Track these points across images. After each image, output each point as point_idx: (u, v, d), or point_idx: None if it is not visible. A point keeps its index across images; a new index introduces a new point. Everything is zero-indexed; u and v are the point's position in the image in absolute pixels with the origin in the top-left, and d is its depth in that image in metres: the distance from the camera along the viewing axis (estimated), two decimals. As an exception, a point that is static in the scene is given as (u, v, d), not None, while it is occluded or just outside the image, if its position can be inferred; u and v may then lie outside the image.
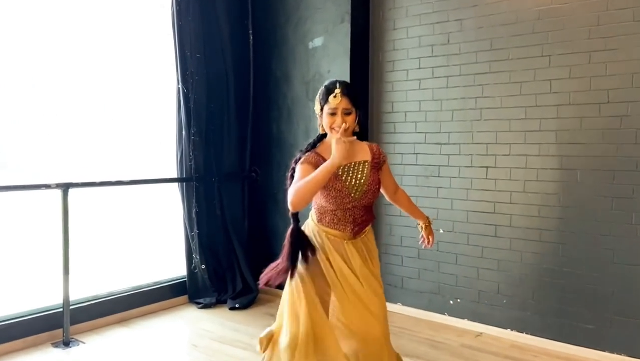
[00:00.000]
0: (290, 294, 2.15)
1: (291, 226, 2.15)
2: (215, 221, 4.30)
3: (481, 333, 3.62)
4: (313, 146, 2.17)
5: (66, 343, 3.38)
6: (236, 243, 4.36)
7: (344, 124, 2.04)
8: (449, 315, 3.80)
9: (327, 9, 4.07)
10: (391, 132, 4.05)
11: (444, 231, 3.79)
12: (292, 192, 1.97)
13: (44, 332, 3.41)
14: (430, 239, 2.44)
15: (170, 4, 3.97)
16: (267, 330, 2.26)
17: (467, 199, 3.69)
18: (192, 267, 4.22)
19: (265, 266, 2.25)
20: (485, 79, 3.56)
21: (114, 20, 3.95)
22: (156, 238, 4.40)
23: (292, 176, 2.11)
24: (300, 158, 2.12)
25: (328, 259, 2.13)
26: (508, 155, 3.50)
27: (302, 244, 2.12)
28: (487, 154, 3.59)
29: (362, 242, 2.19)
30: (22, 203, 3.66)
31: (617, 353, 3.14)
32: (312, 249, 2.13)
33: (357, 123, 2.14)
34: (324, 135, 2.19)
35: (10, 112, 3.49)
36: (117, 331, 3.67)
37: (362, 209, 2.15)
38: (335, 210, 2.12)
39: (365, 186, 2.12)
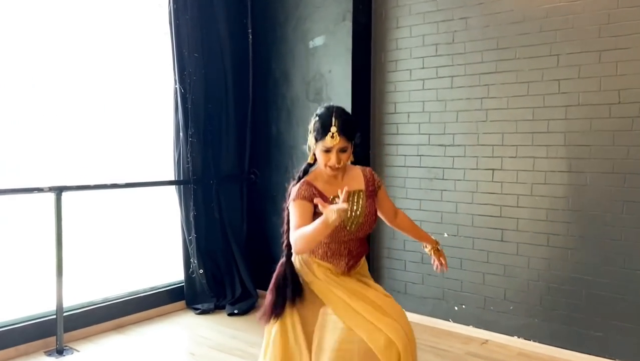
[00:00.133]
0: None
1: (282, 260, 2.02)
2: (213, 225, 4.21)
3: (487, 341, 3.52)
4: (304, 173, 2.03)
5: (60, 352, 3.29)
6: (235, 246, 4.27)
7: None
8: (454, 322, 3.70)
9: (328, 7, 3.98)
10: (394, 134, 3.96)
11: (448, 235, 3.69)
12: (296, 240, 1.81)
13: (37, 340, 3.33)
14: (443, 262, 2.26)
15: (168, 3, 3.88)
16: None
17: (472, 202, 3.59)
18: (189, 272, 4.13)
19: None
20: (491, 79, 3.47)
21: (109, 20, 3.86)
22: (153, 242, 4.31)
23: (289, 208, 1.98)
24: (292, 192, 1.97)
25: (315, 285, 2.00)
26: (515, 157, 3.41)
27: (289, 287, 1.96)
28: (493, 157, 3.49)
29: (358, 274, 2.07)
30: (14, 206, 3.55)
31: (628, 362, 3.05)
32: (300, 291, 1.98)
33: (353, 152, 2.01)
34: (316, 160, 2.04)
35: (1, 113, 3.39)
36: (112, 338, 3.57)
37: (357, 241, 2.04)
38: (329, 243, 1.98)
39: (362, 218, 1.99)
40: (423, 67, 3.77)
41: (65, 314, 3.37)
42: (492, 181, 3.51)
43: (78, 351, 3.34)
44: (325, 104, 2.03)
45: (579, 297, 3.21)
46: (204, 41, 4.09)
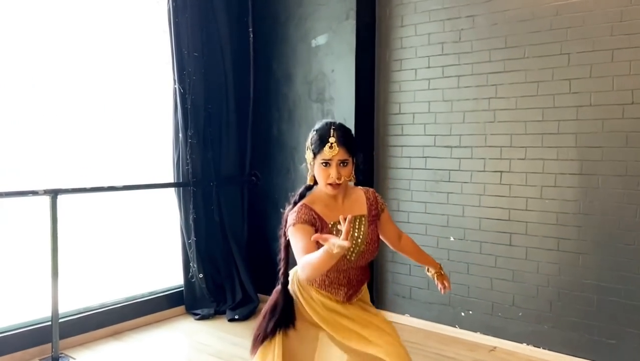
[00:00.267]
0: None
1: (277, 287, 1.91)
2: (213, 228, 4.12)
3: (495, 348, 3.42)
4: (301, 197, 1.88)
5: (55, 359, 3.20)
6: (235, 250, 4.18)
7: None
8: (461, 328, 3.61)
9: (331, 6, 3.89)
10: (398, 135, 3.86)
11: (454, 239, 3.60)
12: (304, 268, 1.65)
13: (32, 347, 3.24)
14: (447, 285, 2.13)
15: (167, 1, 3.79)
16: None
17: (479, 205, 3.50)
18: (189, 276, 4.03)
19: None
20: (499, 78, 3.37)
21: (106, 18, 3.77)
22: (151, 246, 4.22)
23: (287, 234, 1.85)
24: (289, 217, 1.82)
25: (316, 313, 1.87)
26: (524, 159, 3.31)
27: (279, 317, 1.85)
28: (501, 158, 3.40)
29: (358, 304, 1.94)
30: (9, 210, 3.46)
31: (642, 371, 2.96)
32: (291, 321, 1.87)
33: (355, 172, 1.87)
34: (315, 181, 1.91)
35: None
36: (109, 345, 3.48)
37: (358, 269, 1.89)
38: (327, 272, 1.82)
39: (363, 246, 1.85)
40: (429, 67, 3.68)
41: (60, 320, 3.28)
42: (500, 184, 3.41)
43: (74, 358, 3.26)
44: (324, 120, 1.92)
45: (591, 303, 3.11)
46: (203, 40, 4.01)
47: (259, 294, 4.17)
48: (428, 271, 2.18)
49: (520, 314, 3.37)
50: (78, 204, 3.66)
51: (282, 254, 1.91)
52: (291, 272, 1.96)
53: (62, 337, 3.28)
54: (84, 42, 3.67)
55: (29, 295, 3.50)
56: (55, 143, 3.58)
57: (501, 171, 3.40)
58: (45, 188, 3.18)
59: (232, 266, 4.20)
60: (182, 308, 4.07)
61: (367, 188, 2.00)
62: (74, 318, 3.47)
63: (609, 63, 3.01)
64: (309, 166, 1.88)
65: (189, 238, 3.98)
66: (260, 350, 1.87)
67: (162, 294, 4.01)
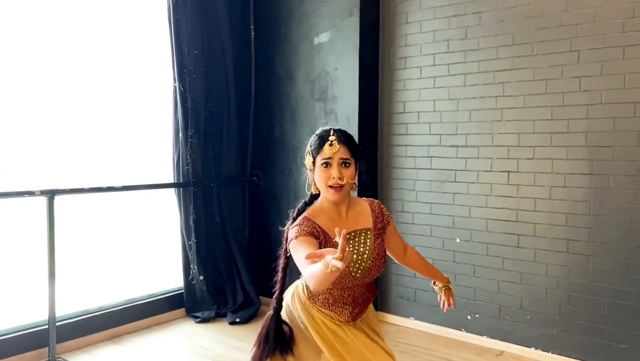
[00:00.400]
0: None
1: (269, 313, 1.80)
2: (214, 229, 4.05)
3: (502, 352, 3.34)
4: (300, 212, 1.78)
5: (52, 364, 3.12)
6: (236, 252, 4.11)
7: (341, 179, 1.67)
8: (467, 332, 3.53)
9: (334, 2, 3.81)
10: (403, 134, 3.79)
11: (460, 240, 3.52)
12: (308, 280, 1.52)
13: (28, 351, 3.17)
14: (451, 301, 2.03)
15: (166, -3, 3.72)
16: None
17: (486, 206, 3.42)
18: (189, 278, 3.96)
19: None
20: (506, 76, 3.30)
21: (105, 15, 3.69)
22: (151, 248, 4.15)
23: (288, 250, 1.74)
24: (290, 232, 1.71)
25: (317, 332, 1.77)
26: (532, 159, 3.23)
27: (271, 345, 1.76)
28: (508, 158, 3.32)
29: (363, 324, 1.82)
30: (4, 211, 3.39)
31: (654, 376, 2.88)
32: (284, 349, 1.77)
33: (358, 179, 1.77)
34: (315, 197, 1.79)
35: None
36: (108, 349, 3.41)
37: (363, 286, 1.78)
38: (330, 289, 1.73)
39: (369, 261, 1.74)
40: (434, 65, 3.60)
41: (58, 324, 3.20)
42: (508, 184, 3.33)
43: (71, 363, 3.19)
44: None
45: (601, 307, 3.04)
46: (204, 38, 3.94)
47: (260, 297, 4.10)
48: (435, 285, 2.07)
49: (528, 317, 3.29)
50: (76, 205, 3.58)
51: (279, 275, 1.81)
52: (291, 288, 1.87)
53: (59, 341, 3.21)
54: (83, 39, 3.59)
55: (25, 298, 3.43)
56: (53, 142, 3.51)
57: (509, 171, 3.33)
58: (42, 189, 3.10)
59: (233, 268, 4.13)
60: (182, 311, 4.00)
61: (372, 199, 1.90)
62: (72, 321, 3.40)
63: (620, 60, 2.93)
64: (309, 173, 1.79)
65: (189, 240, 3.91)
66: None
67: (161, 297, 3.94)
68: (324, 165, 1.70)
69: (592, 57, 3.01)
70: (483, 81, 3.39)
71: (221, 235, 4.09)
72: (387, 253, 1.90)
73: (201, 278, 3.94)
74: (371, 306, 1.88)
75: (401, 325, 3.80)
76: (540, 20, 3.16)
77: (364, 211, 1.83)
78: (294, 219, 1.76)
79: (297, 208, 1.81)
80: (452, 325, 3.59)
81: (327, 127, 1.76)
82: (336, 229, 1.35)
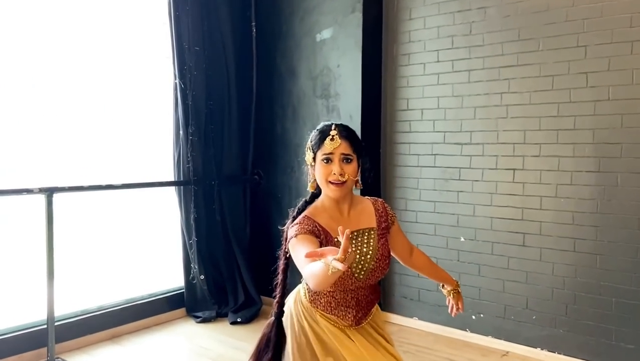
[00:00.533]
0: None
1: (270, 319, 1.74)
2: (215, 228, 4.00)
3: (508, 353, 3.29)
4: (300, 211, 1.73)
5: (51, 364, 3.08)
6: (238, 251, 4.07)
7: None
8: (471, 332, 3.48)
9: (337, -2, 3.77)
10: (406, 132, 3.74)
11: (465, 239, 3.48)
12: (308, 279, 1.46)
13: (27, 351, 3.13)
14: (460, 305, 1.96)
15: (167, -7, 3.68)
16: None
17: (491, 204, 3.37)
18: (190, 278, 3.91)
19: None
20: (512, 72, 3.25)
21: (105, 12, 3.65)
22: (151, 247, 4.11)
23: (288, 250, 1.68)
24: (290, 231, 1.65)
25: (321, 340, 1.69)
26: (538, 156, 3.18)
27: (271, 353, 1.70)
28: (514, 155, 3.27)
29: (369, 327, 1.74)
30: (3, 209, 3.35)
31: (663, 377, 2.83)
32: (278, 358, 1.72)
33: (361, 178, 1.70)
34: (316, 195, 1.74)
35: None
36: (107, 349, 3.37)
37: (367, 289, 1.71)
38: (332, 292, 1.66)
39: (373, 262, 1.66)
40: (438, 61, 3.56)
41: (57, 323, 3.15)
42: (513, 182, 3.29)
43: (70, 363, 3.15)
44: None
45: (609, 306, 2.98)
46: (205, 34, 3.89)
47: (262, 297, 4.05)
48: (443, 288, 2.00)
49: (534, 317, 3.24)
50: (75, 203, 3.54)
51: (279, 278, 1.74)
52: (292, 294, 1.81)
53: (58, 341, 3.17)
54: (83, 36, 3.55)
55: (24, 297, 3.39)
56: (52, 140, 3.47)
57: (514, 169, 3.28)
58: (40, 186, 3.05)
59: (234, 267, 4.08)
60: (182, 311, 3.95)
61: (375, 198, 1.84)
62: (71, 321, 3.36)
63: (628, 55, 2.88)
64: (309, 169, 1.73)
65: (189, 238, 3.86)
66: None
67: (161, 297, 3.89)
68: (325, 161, 1.64)
69: (599, 52, 2.96)
70: (488, 78, 3.35)
71: (222, 234, 4.05)
72: (392, 254, 1.84)
73: (202, 277, 3.90)
74: (377, 308, 1.81)
75: (405, 325, 3.75)
76: (547, 15, 3.11)
77: (367, 210, 1.76)
78: (294, 218, 1.70)
79: (297, 207, 1.75)
80: (456, 325, 3.54)
81: (329, 122, 1.71)
82: (339, 228, 1.29)
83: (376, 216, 1.76)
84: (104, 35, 3.65)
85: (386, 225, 1.77)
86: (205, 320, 3.84)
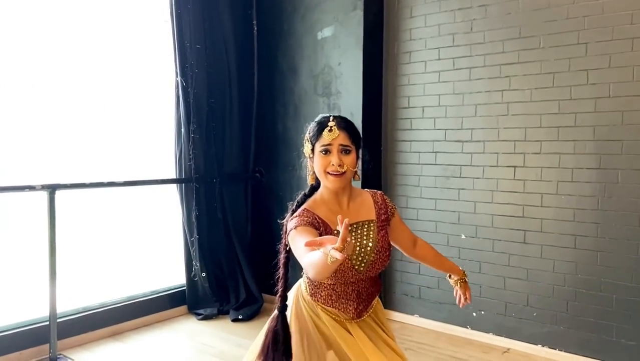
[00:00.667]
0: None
1: (274, 313, 1.72)
2: (216, 225, 4.01)
3: (509, 350, 3.30)
4: (299, 205, 1.73)
5: (53, 360, 3.09)
6: (239, 248, 4.07)
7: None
8: (472, 329, 3.49)
9: (338, -4, 3.77)
10: (407, 129, 3.74)
11: (466, 236, 3.48)
12: (307, 268, 1.46)
13: (29, 348, 3.13)
14: (468, 295, 1.96)
15: (168, -9, 3.69)
16: None
17: (492, 201, 3.38)
18: (191, 275, 3.92)
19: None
20: (513, 70, 3.25)
21: (107, 9, 3.66)
22: (153, 244, 4.11)
23: (288, 243, 1.68)
24: (289, 224, 1.66)
25: (324, 333, 1.69)
26: (539, 153, 3.19)
27: (281, 346, 1.68)
28: (514, 153, 3.28)
29: (370, 320, 1.74)
30: (5, 206, 3.36)
31: (664, 374, 2.83)
32: (289, 351, 1.69)
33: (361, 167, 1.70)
34: (315, 188, 1.75)
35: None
36: (109, 346, 3.38)
37: (367, 281, 1.71)
38: (333, 285, 1.67)
39: (373, 255, 1.66)
40: (439, 59, 3.56)
41: (59, 320, 3.17)
42: (514, 179, 3.29)
43: (72, 359, 3.15)
44: None
45: (609, 303, 2.99)
46: (206, 32, 3.90)
47: (263, 294, 4.06)
48: (450, 278, 2.00)
49: (535, 314, 3.24)
50: (77, 200, 3.55)
51: (280, 272, 1.73)
52: (294, 289, 1.81)
53: (60, 337, 3.18)
54: (85, 33, 3.56)
55: (26, 294, 3.39)
56: (55, 138, 3.48)
57: (515, 166, 3.28)
58: (42, 183, 3.07)
59: (235, 264, 4.09)
60: (184, 308, 3.96)
61: (375, 190, 1.84)
62: (73, 317, 3.36)
63: (628, 52, 2.88)
64: (308, 162, 1.73)
65: (191, 236, 3.87)
66: None
67: (163, 294, 3.89)
68: (323, 152, 1.64)
69: (600, 49, 2.96)
70: (489, 75, 3.35)
71: (223, 232, 4.06)
72: (395, 245, 1.84)
73: (203, 274, 3.90)
74: (378, 301, 1.81)
75: (406, 323, 3.76)
76: (547, 12, 3.12)
77: (366, 202, 1.76)
78: (293, 211, 1.70)
79: (296, 200, 1.75)
80: (457, 322, 3.55)
81: (327, 114, 1.71)
82: (338, 217, 1.28)
83: (375, 208, 1.76)
84: (106, 34, 3.66)
85: (386, 217, 1.77)
86: (206, 317, 3.84)
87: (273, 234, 4.14)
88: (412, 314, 3.75)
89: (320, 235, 1.60)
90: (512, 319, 3.33)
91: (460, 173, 3.51)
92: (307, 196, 1.74)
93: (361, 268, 1.66)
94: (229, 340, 3.47)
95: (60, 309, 3.20)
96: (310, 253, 1.35)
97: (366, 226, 1.71)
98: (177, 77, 3.76)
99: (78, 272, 3.60)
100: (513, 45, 3.25)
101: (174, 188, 3.90)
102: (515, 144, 3.28)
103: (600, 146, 2.99)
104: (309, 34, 3.95)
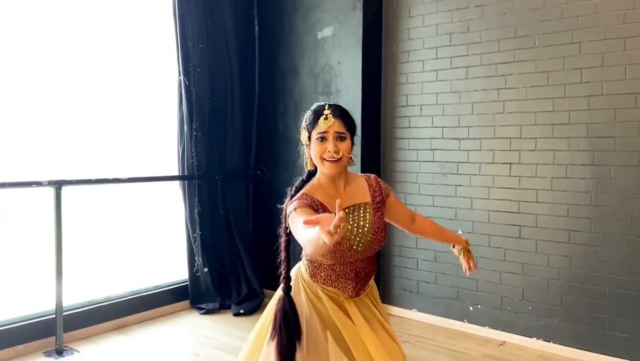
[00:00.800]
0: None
1: (279, 294, 1.77)
2: (218, 222, 4.09)
3: (504, 342, 3.37)
4: (298, 189, 1.78)
5: (59, 352, 3.17)
6: (240, 244, 4.15)
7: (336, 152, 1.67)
8: (469, 323, 3.56)
9: (338, -3, 3.85)
10: (406, 127, 3.82)
11: (463, 232, 3.55)
12: (305, 245, 1.53)
13: (36, 340, 3.21)
14: (472, 264, 1.99)
15: (172, -8, 3.76)
16: None
17: (488, 198, 3.45)
18: (194, 270, 4.00)
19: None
20: (508, 68, 3.33)
21: (111, 10, 3.73)
22: (156, 240, 4.18)
23: (287, 225, 1.74)
24: (288, 207, 1.71)
25: (326, 317, 1.75)
26: (534, 150, 3.26)
27: (293, 323, 1.72)
28: (510, 150, 3.35)
29: (367, 298, 1.81)
30: (13, 201, 3.44)
31: (655, 365, 2.90)
32: (299, 329, 1.74)
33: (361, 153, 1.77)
34: (312, 174, 1.81)
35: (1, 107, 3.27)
36: (113, 339, 3.45)
37: (365, 261, 1.78)
38: (332, 265, 1.74)
39: (370, 235, 1.74)
40: (437, 58, 3.64)
41: (65, 313, 3.25)
42: (510, 176, 3.36)
43: (78, 351, 3.22)
44: None
45: (602, 296, 3.06)
46: (208, 32, 3.98)
47: (264, 290, 4.13)
48: (454, 248, 2.04)
49: (530, 308, 3.31)
50: (83, 196, 3.62)
51: (282, 255, 1.79)
52: (294, 270, 1.86)
53: (66, 330, 3.26)
54: (91, 33, 3.64)
55: (33, 288, 3.46)
56: (61, 136, 3.55)
57: (510, 163, 3.35)
58: (49, 179, 3.15)
59: (237, 260, 4.16)
60: (186, 303, 4.03)
61: (369, 174, 1.91)
62: (79, 311, 3.44)
63: (621, 52, 2.95)
64: (305, 149, 1.80)
65: (194, 232, 3.94)
66: None
67: (166, 289, 3.97)
68: (320, 139, 1.71)
69: (593, 48, 3.03)
70: (485, 74, 3.42)
71: (225, 228, 4.13)
72: (395, 224, 1.92)
73: (205, 270, 3.97)
74: (374, 283, 1.88)
75: (404, 317, 3.83)
76: (542, 12, 3.19)
77: (361, 186, 1.83)
78: (292, 196, 1.76)
79: (294, 186, 1.81)
80: (454, 316, 3.62)
81: (322, 103, 1.78)
82: (337, 201, 1.35)
83: (370, 191, 1.83)
84: (112, 34, 3.74)
85: (381, 199, 1.83)
86: (208, 312, 3.92)
87: (274, 231, 4.18)
88: (411, 308, 3.82)
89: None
90: (508, 313, 3.40)
91: (458, 170, 3.58)
92: (304, 182, 1.81)
93: (359, 248, 1.73)
94: (230, 333, 3.54)
95: (67, 303, 3.28)
96: (308, 230, 1.42)
97: (362, 208, 1.78)
98: (180, 76, 3.84)
99: (84, 267, 3.67)
100: (509, 45, 3.32)
101: (176, 185, 3.97)
102: (510, 142, 3.35)
103: (594, 143, 3.06)
104: (310, 34, 4.02)
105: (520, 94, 3.30)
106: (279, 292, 1.78)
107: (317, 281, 1.78)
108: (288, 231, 1.74)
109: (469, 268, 2.00)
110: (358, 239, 1.73)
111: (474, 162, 3.50)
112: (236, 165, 4.21)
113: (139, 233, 4.07)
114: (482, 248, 3.48)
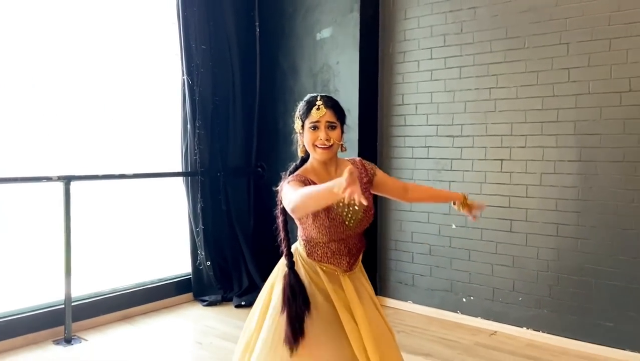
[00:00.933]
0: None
1: (285, 271, 1.87)
2: (220, 217, 4.21)
3: (496, 332, 3.49)
4: (292, 172, 1.90)
5: (68, 341, 3.30)
6: (242, 239, 4.27)
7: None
8: (462, 313, 3.68)
9: (336, -1, 3.97)
10: (401, 125, 3.94)
11: (456, 226, 3.68)
12: (296, 197, 1.63)
13: (45, 329, 3.34)
14: (474, 212, 2.07)
15: (175, -5, 3.89)
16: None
17: (480, 193, 3.57)
18: (197, 264, 4.13)
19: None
20: (500, 68, 3.45)
21: (117, 11, 3.86)
22: (160, 234, 4.31)
23: (282, 191, 1.86)
24: (283, 185, 1.81)
25: (324, 290, 1.87)
26: (524, 147, 3.39)
27: (301, 295, 1.82)
28: (501, 147, 3.47)
29: (359, 275, 1.96)
30: (23, 196, 3.57)
31: (638, 352, 3.01)
32: (307, 301, 1.84)
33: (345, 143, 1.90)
34: (303, 160, 1.96)
35: (11, 104, 3.40)
36: (120, 328, 3.58)
37: (356, 237, 1.93)
38: (328, 242, 1.87)
39: (361, 213, 1.87)
40: (431, 58, 3.76)
41: (73, 304, 3.38)
42: (501, 172, 3.49)
43: (86, 340, 3.35)
44: None
45: (589, 287, 3.18)
46: (211, 33, 4.10)
47: (264, 282, 4.24)
48: (454, 205, 2.14)
49: (520, 299, 3.44)
50: (90, 192, 3.75)
51: (282, 234, 1.91)
52: (292, 250, 1.96)
53: (74, 320, 3.38)
54: (99, 34, 3.76)
55: (43, 279, 3.59)
56: (70, 134, 3.68)
57: (502, 159, 3.48)
58: (59, 175, 3.28)
59: (238, 254, 4.28)
60: (189, 295, 4.15)
61: (354, 158, 2.04)
62: (87, 301, 3.57)
63: (606, 52, 3.08)
64: (298, 136, 1.93)
65: (196, 227, 4.07)
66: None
67: (170, 281, 4.09)
68: (312, 128, 1.84)
69: (580, 49, 3.16)
70: (477, 73, 3.55)
71: (227, 223, 4.25)
72: (390, 197, 2.06)
73: (208, 263, 4.10)
74: (360, 264, 2.01)
75: (400, 308, 3.95)
76: (532, 14, 3.31)
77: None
78: (290, 173, 1.89)
79: (288, 170, 1.94)
80: (448, 307, 3.75)
81: (315, 94, 1.91)
82: (347, 169, 1.45)
83: (357, 173, 1.95)
84: (119, 36, 3.87)
85: (368, 179, 1.98)
86: (211, 304, 4.04)
87: (274, 225, 4.33)
88: (406, 300, 3.95)
89: None
90: (499, 304, 3.52)
91: (451, 166, 3.70)
92: (297, 167, 1.95)
93: (351, 224, 1.88)
94: (232, 323, 3.66)
95: (75, 293, 3.40)
96: (308, 187, 1.57)
97: None
98: (183, 76, 3.97)
99: (91, 259, 3.79)
100: (500, 46, 3.44)
101: (180, 181, 4.10)
102: (502, 139, 3.47)
103: (581, 139, 3.18)
104: (309, 35, 4.15)
105: (510, 93, 3.42)
106: (281, 267, 1.91)
107: (315, 259, 1.91)
108: (284, 211, 1.87)
109: (474, 216, 2.09)
110: (350, 216, 1.87)
111: (467, 159, 3.63)
112: (238, 162, 4.34)
113: (144, 228, 4.19)
114: (475, 242, 3.61)
